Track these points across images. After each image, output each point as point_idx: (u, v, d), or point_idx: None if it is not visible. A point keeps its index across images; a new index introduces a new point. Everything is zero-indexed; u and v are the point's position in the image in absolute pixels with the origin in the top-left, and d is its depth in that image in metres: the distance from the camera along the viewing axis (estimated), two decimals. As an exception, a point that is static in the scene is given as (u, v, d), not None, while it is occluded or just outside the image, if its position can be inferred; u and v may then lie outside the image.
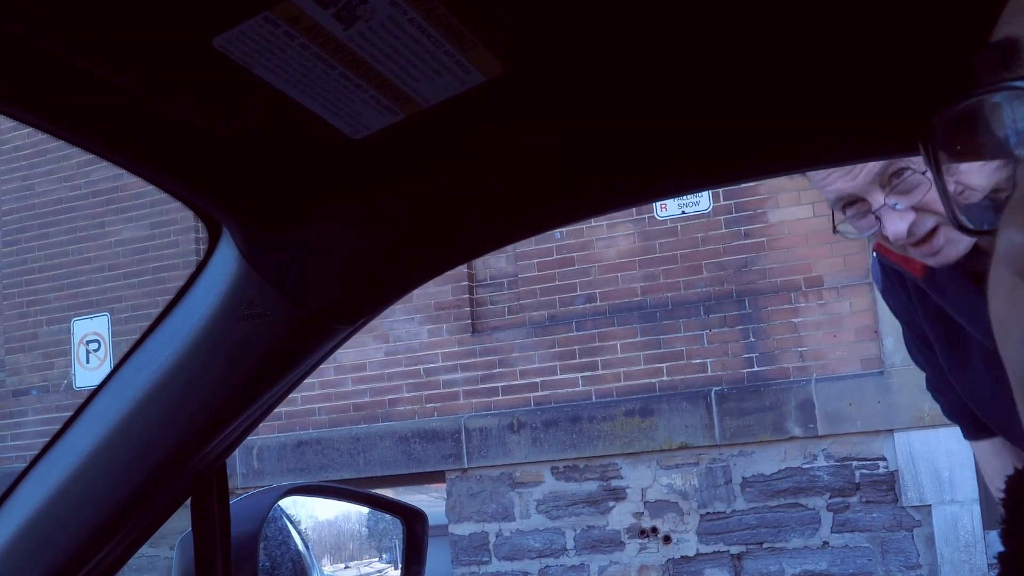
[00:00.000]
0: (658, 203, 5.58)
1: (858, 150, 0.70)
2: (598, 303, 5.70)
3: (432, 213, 0.68)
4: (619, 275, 5.67)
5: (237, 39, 0.51)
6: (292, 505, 1.30)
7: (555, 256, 5.79)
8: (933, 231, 1.31)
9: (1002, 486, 0.37)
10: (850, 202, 1.34)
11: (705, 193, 5.48)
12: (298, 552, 1.25)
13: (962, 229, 0.34)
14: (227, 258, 0.70)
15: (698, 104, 0.62)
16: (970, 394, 1.53)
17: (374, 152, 0.63)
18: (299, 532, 1.34)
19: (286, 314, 0.70)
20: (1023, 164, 0.31)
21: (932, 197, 1.26)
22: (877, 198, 1.30)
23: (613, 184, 0.67)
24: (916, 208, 1.29)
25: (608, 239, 5.72)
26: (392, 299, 0.74)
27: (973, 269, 1.37)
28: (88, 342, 6.79)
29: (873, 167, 1.29)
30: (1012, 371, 0.31)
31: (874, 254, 1.57)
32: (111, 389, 0.79)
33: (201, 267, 0.73)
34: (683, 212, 5.56)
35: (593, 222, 5.71)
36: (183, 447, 0.78)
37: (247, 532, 0.94)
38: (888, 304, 1.68)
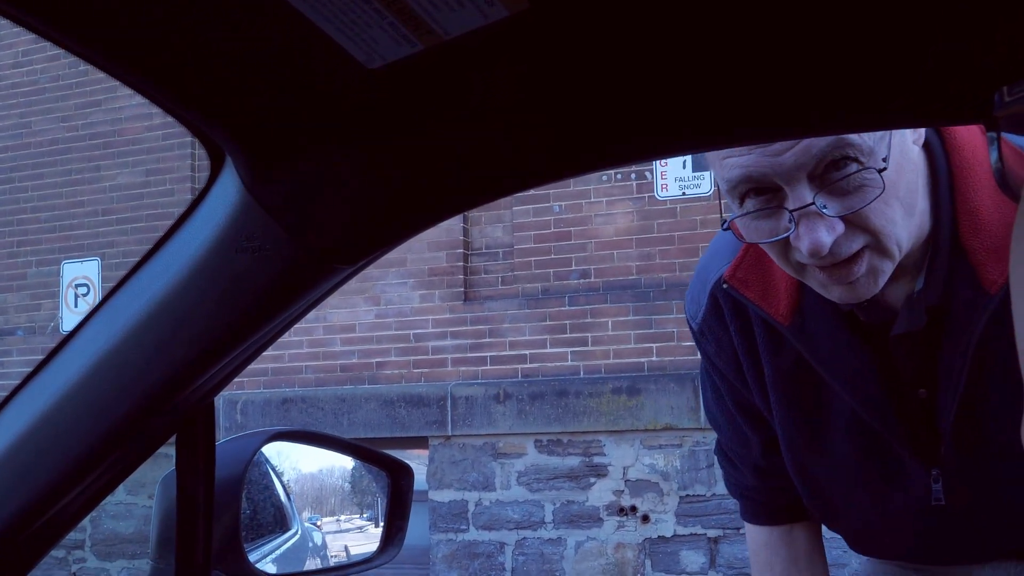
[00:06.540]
0: (659, 183, 5.55)
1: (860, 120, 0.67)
2: (592, 279, 5.69)
3: (443, 154, 0.66)
4: (615, 252, 5.65)
5: None
6: (276, 456, 1.28)
7: (552, 229, 5.76)
8: (856, 255, 0.99)
9: None
10: (758, 190, 0.98)
11: (707, 175, 5.46)
12: (279, 501, 1.24)
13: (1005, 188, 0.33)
14: (228, 187, 0.68)
15: (735, 50, 0.60)
16: (816, 466, 1.25)
17: (388, 85, 0.61)
18: (282, 483, 1.33)
19: (286, 249, 0.68)
20: None
21: (872, 209, 0.96)
22: (801, 194, 0.95)
23: (633, 135, 0.64)
24: (847, 220, 0.96)
25: (606, 216, 5.69)
26: (396, 241, 0.72)
27: (863, 317, 1.12)
28: (77, 286, 6.75)
29: (810, 145, 0.93)
30: (1015, 293, 0.30)
31: (724, 285, 1.16)
32: (101, 317, 0.77)
33: (201, 196, 0.71)
34: (684, 193, 5.53)
35: (592, 197, 5.68)
36: (171, 381, 0.76)
37: (231, 475, 0.93)
38: (704, 349, 1.28)
